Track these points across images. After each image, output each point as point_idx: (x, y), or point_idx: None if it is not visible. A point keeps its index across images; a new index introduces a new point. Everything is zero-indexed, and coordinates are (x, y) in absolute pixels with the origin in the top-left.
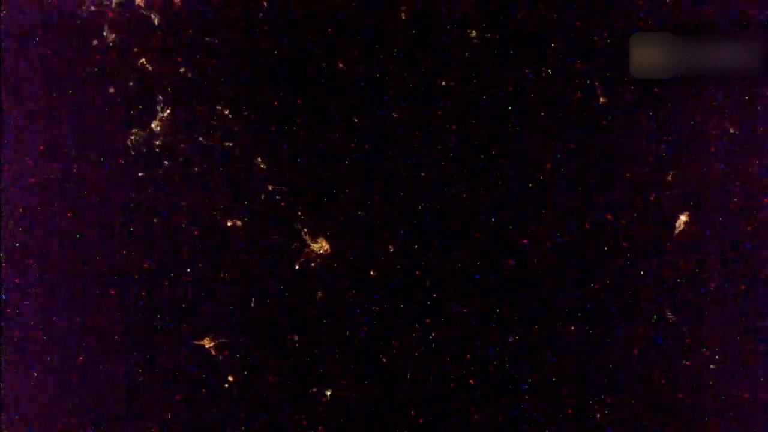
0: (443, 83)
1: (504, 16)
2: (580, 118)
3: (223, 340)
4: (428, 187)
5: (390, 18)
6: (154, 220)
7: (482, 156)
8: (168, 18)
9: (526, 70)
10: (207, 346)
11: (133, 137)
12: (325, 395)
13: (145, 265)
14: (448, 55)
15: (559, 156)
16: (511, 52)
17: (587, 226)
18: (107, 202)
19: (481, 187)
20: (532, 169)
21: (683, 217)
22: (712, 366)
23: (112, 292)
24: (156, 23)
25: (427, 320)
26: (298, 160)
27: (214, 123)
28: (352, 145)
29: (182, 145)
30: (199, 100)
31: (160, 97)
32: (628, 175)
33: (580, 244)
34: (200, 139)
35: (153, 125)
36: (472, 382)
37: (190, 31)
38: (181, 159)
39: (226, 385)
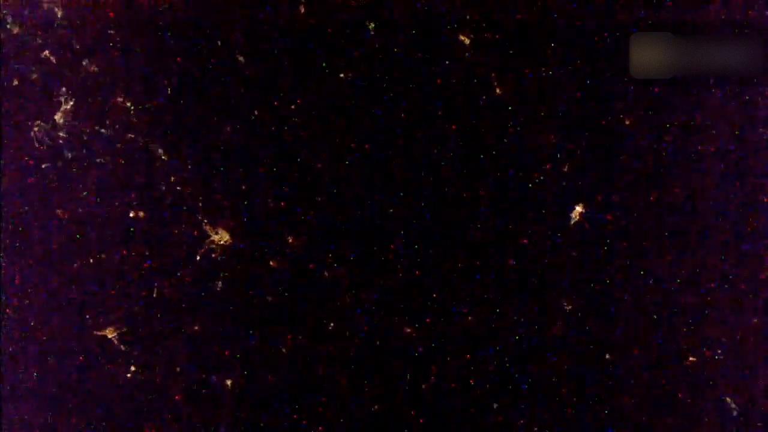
0: (443, 83)
1: (504, 16)
2: (580, 118)
3: (125, 330)
4: (428, 187)
5: (389, 18)
6: (57, 211)
7: (482, 156)
8: (71, 11)
9: (526, 70)
10: (110, 336)
11: (36, 129)
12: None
13: (68, 256)
14: (448, 55)
15: (559, 156)
16: (511, 52)
17: (587, 226)
18: (107, 202)
19: (481, 187)
20: (532, 169)
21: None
22: (712, 366)
23: (113, 291)
24: (59, 16)
25: (427, 320)
26: (203, 151)
27: (116, 115)
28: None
29: (85, 137)
30: (102, 93)
31: (64, 89)
32: (627, 175)
33: (580, 244)
34: (102, 131)
35: (56, 117)
36: (472, 382)
37: (93, 24)
38: (84, 150)
39: (128, 375)
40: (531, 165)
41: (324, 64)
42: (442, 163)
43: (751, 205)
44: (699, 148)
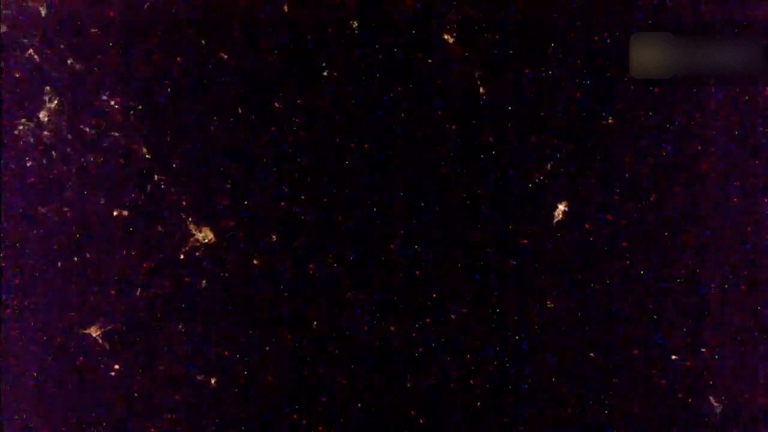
0: (443, 83)
1: (504, 16)
2: (580, 118)
3: (109, 329)
4: (428, 187)
5: (389, 18)
6: (41, 210)
7: (482, 156)
8: (55, 9)
9: (526, 70)
10: (94, 335)
11: (21, 127)
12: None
13: (37, 255)
14: (447, 55)
15: (559, 156)
16: (511, 52)
17: (587, 226)
18: (109, 202)
19: (481, 187)
20: (532, 169)
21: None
22: (712, 366)
23: (113, 291)
24: (43, 15)
25: (427, 320)
26: (185, 150)
27: (101, 114)
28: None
29: (69, 136)
30: (86, 92)
31: (48, 88)
32: (627, 175)
33: (580, 244)
34: (87, 129)
35: (40, 116)
36: (472, 382)
37: (77, 22)
38: (68, 149)
39: (112, 374)
40: (531, 165)
41: (324, 64)
42: (442, 163)
43: (751, 205)
44: (699, 148)
